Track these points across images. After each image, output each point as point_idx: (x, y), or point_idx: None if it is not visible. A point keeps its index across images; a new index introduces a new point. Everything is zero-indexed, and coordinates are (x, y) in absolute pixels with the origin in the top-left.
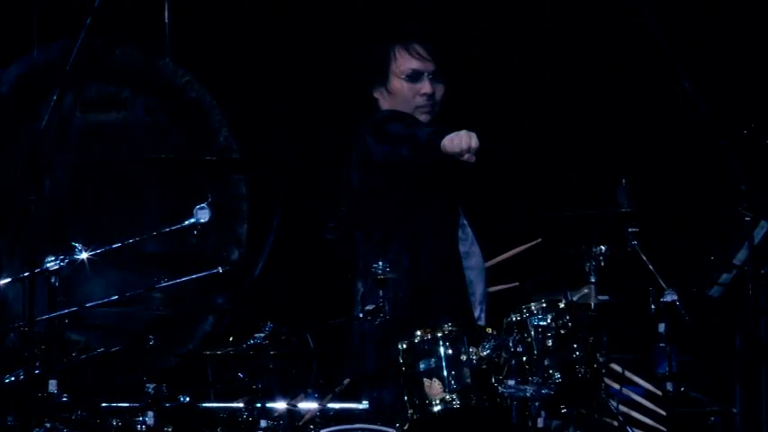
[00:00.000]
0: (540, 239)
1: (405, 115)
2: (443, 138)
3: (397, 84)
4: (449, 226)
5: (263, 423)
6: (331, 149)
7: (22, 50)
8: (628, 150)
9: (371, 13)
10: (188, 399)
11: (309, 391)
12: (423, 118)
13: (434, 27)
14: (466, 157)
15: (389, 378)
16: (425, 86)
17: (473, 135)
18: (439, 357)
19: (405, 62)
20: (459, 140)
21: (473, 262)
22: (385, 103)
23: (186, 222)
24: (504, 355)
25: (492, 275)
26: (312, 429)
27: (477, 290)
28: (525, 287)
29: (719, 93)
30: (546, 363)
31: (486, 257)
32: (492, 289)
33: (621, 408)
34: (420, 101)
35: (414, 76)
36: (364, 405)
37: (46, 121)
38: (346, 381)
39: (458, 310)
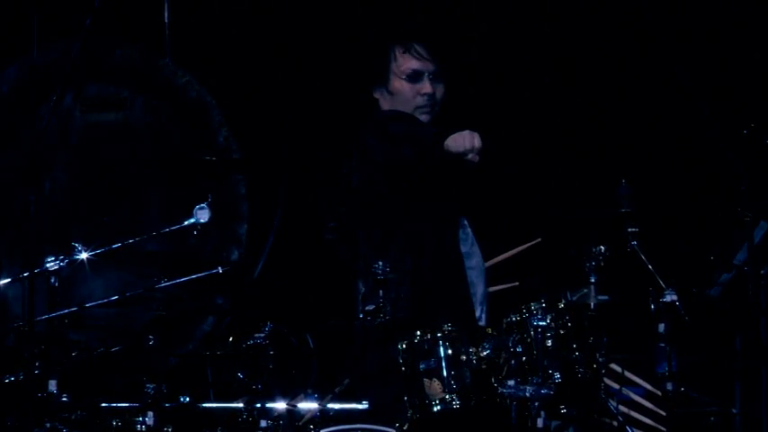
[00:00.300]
0: (539, 239)
1: (406, 115)
2: (446, 138)
3: (398, 84)
4: (450, 226)
5: (262, 423)
6: (331, 149)
7: (22, 50)
8: (628, 150)
9: (371, 13)
10: (188, 399)
11: (309, 391)
12: (423, 118)
13: (434, 27)
14: (470, 156)
15: (389, 378)
16: (426, 86)
17: (476, 135)
18: (439, 357)
19: (405, 62)
20: (463, 140)
21: (473, 262)
22: (385, 104)
23: (186, 222)
24: (503, 355)
25: (492, 275)
26: (312, 429)
27: (478, 290)
28: (525, 287)
29: (719, 93)
30: (545, 363)
31: (486, 257)
32: (492, 289)
33: (621, 408)
34: (420, 101)
35: (414, 77)
36: (364, 405)
37: (46, 121)
38: (346, 381)
39: (459, 310)
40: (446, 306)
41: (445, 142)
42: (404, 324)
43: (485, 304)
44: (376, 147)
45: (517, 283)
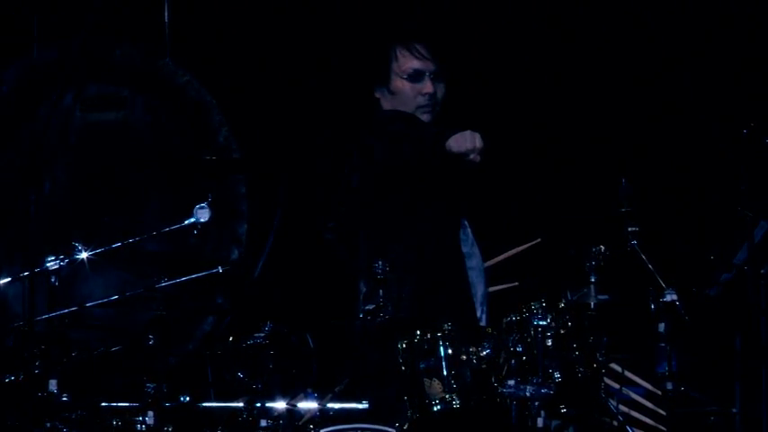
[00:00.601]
0: (539, 239)
1: (406, 115)
2: (447, 138)
3: (399, 83)
4: (451, 226)
5: (262, 423)
6: (331, 149)
7: (22, 50)
8: (628, 150)
9: (372, 13)
10: (188, 398)
11: (309, 390)
12: (424, 117)
13: (435, 27)
14: (471, 156)
15: (390, 378)
16: (427, 86)
17: (477, 135)
18: (439, 357)
19: (406, 62)
20: (464, 140)
21: (473, 263)
22: (386, 104)
23: (186, 222)
24: (503, 354)
25: (492, 275)
26: (312, 429)
27: (479, 290)
28: (525, 287)
29: (719, 92)
30: (545, 362)
31: (485, 257)
32: (492, 289)
33: (621, 407)
34: (421, 100)
35: (415, 76)
36: (364, 405)
37: (46, 121)
38: (346, 380)
39: (461, 310)
40: (448, 306)
41: (447, 143)
42: (405, 324)
43: (485, 305)
44: (376, 146)
45: (517, 283)
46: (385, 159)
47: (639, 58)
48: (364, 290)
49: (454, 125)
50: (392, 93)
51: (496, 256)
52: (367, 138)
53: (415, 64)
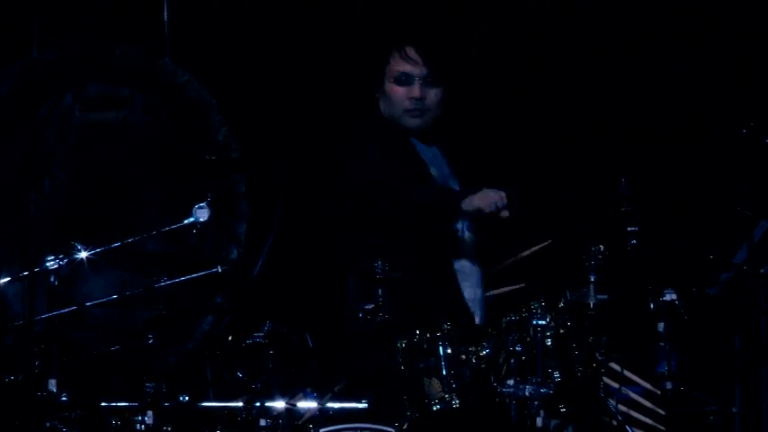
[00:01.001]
0: (549, 241)
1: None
2: (462, 200)
3: (389, 86)
4: (446, 226)
5: (262, 422)
6: (331, 149)
7: (22, 50)
8: (628, 149)
9: (372, 15)
10: (187, 398)
11: (309, 390)
12: (412, 122)
13: (429, 30)
14: (502, 214)
15: (388, 377)
16: (414, 90)
17: (501, 192)
18: (438, 357)
19: (396, 65)
20: (490, 199)
21: (458, 265)
22: (383, 106)
23: (186, 221)
24: (503, 354)
25: (499, 277)
26: (311, 429)
27: (465, 293)
28: (528, 288)
29: (719, 92)
30: (545, 362)
31: (489, 260)
32: (498, 291)
33: (620, 407)
34: (408, 104)
35: (403, 79)
36: (364, 405)
37: (46, 121)
38: (345, 380)
39: (458, 309)
40: (445, 306)
41: (473, 204)
42: (403, 323)
43: (478, 307)
44: (367, 164)
45: (524, 285)
46: (373, 185)
47: (639, 58)
48: (356, 288)
49: (455, 126)
50: (385, 95)
51: (504, 259)
52: (361, 145)
53: (404, 67)
